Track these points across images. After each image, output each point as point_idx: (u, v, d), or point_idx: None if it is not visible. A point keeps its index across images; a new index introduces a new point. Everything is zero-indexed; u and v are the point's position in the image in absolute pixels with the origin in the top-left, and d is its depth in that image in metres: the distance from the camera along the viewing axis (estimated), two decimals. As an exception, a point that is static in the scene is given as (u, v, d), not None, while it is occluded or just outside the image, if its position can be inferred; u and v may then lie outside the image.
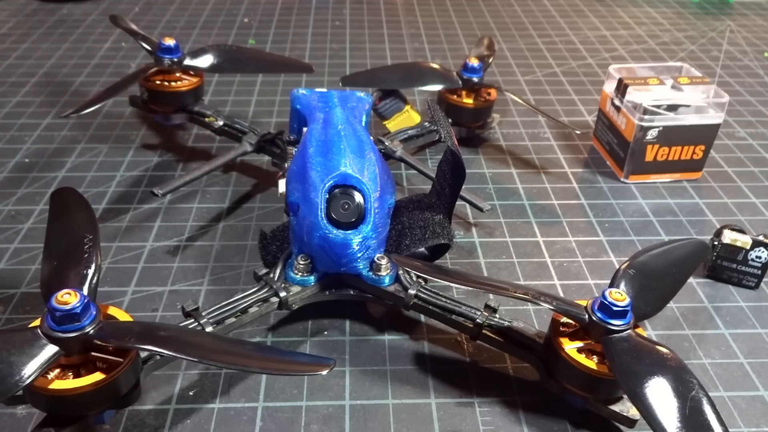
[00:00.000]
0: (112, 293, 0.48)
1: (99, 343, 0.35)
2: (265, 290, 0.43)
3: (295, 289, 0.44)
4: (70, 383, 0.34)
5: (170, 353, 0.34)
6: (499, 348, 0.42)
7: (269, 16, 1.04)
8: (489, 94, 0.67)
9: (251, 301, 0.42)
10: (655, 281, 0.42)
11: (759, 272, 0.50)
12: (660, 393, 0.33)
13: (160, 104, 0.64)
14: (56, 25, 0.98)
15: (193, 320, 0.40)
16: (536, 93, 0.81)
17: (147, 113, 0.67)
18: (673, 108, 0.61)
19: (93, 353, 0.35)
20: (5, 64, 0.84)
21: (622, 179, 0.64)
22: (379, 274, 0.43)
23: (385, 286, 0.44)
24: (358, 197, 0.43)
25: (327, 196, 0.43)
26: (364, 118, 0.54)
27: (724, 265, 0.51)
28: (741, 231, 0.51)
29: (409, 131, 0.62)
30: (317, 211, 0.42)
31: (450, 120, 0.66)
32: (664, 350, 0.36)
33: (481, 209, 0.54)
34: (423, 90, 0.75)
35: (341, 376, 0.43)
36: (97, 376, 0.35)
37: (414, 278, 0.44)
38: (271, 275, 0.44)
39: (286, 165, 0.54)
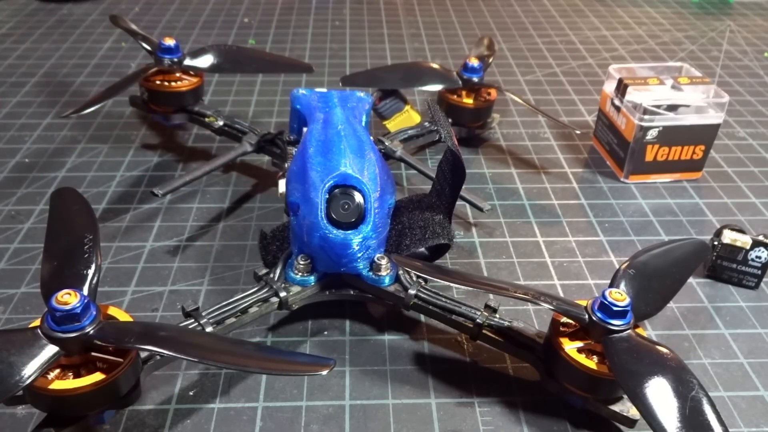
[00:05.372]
0: (112, 293, 0.48)
1: (99, 343, 0.35)
2: (265, 290, 0.43)
3: (295, 289, 0.44)
4: (70, 383, 0.34)
5: (170, 353, 0.34)
6: (499, 348, 0.42)
7: (269, 16, 1.04)
8: (489, 94, 0.67)
9: (251, 301, 0.42)
10: (655, 281, 0.42)
11: (759, 272, 0.50)
12: (660, 393, 0.33)
13: (160, 104, 0.64)
14: (56, 25, 0.98)
15: (193, 320, 0.40)
16: (536, 93, 0.81)
17: (147, 113, 0.67)
18: (673, 108, 0.61)
19: (93, 353, 0.35)
20: (5, 64, 0.84)
21: (622, 179, 0.64)
22: (379, 274, 0.43)
23: (385, 286, 0.44)
24: (358, 197, 0.43)
25: (327, 196, 0.43)
26: (364, 118, 0.54)
27: (724, 265, 0.51)
28: (741, 231, 0.51)
29: (409, 131, 0.62)
30: (317, 211, 0.42)
31: (450, 120, 0.66)
32: (664, 350, 0.36)
33: (481, 209, 0.54)
34: (423, 90, 0.75)
35: (341, 376, 0.43)
36: (97, 376, 0.35)
37: (414, 278, 0.44)
38: (271, 275, 0.44)
39: (286, 165, 0.54)
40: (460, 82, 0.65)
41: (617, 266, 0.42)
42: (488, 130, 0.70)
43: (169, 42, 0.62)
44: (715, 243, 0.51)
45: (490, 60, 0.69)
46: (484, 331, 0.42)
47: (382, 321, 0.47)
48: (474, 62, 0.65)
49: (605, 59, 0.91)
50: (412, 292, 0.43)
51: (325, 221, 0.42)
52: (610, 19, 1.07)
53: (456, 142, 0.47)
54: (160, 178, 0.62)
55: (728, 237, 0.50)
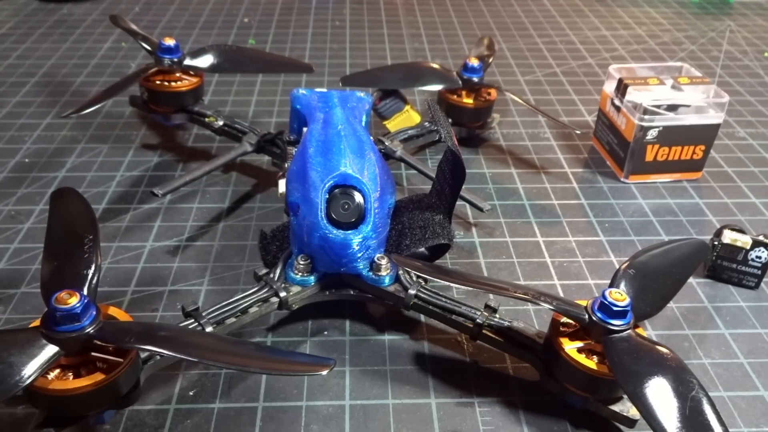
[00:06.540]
0: (112, 293, 0.48)
1: (99, 343, 0.35)
2: (265, 290, 0.43)
3: (295, 289, 0.44)
4: (70, 383, 0.34)
5: (170, 353, 0.34)
6: (499, 348, 0.42)
7: (269, 16, 1.04)
8: (489, 94, 0.67)
9: (251, 301, 0.42)
10: (655, 281, 0.42)
11: (759, 272, 0.50)
12: (660, 393, 0.33)
13: (160, 104, 0.64)
14: (56, 25, 0.98)
15: (193, 320, 0.40)
16: (536, 93, 0.81)
17: (147, 113, 0.67)
18: (673, 108, 0.61)
19: (93, 353, 0.36)
20: (5, 64, 0.84)
21: (622, 179, 0.64)
22: (379, 274, 0.43)
23: (385, 286, 0.44)
24: (358, 197, 0.43)
25: (327, 196, 0.43)
26: (364, 118, 0.54)
27: (724, 265, 0.51)
28: (741, 231, 0.51)
29: (409, 131, 0.62)
30: (317, 211, 0.42)
31: (450, 120, 0.66)
32: (664, 350, 0.36)
33: (481, 209, 0.54)
34: (423, 90, 0.75)
35: (341, 376, 0.43)
36: (97, 376, 0.35)
37: (414, 278, 0.44)
38: (271, 275, 0.44)
39: (286, 165, 0.54)
40: (460, 82, 0.65)
41: (617, 266, 0.42)
42: (488, 130, 0.70)
43: (169, 42, 0.62)
44: (715, 243, 0.51)
45: (490, 60, 0.69)
46: (484, 331, 0.42)
47: (382, 321, 0.47)
48: (474, 62, 0.65)
49: (605, 59, 0.91)
50: (412, 292, 0.43)
51: (325, 221, 0.42)
52: (610, 19, 1.07)
53: (456, 142, 0.47)
54: (160, 178, 0.62)
55: (728, 237, 0.50)
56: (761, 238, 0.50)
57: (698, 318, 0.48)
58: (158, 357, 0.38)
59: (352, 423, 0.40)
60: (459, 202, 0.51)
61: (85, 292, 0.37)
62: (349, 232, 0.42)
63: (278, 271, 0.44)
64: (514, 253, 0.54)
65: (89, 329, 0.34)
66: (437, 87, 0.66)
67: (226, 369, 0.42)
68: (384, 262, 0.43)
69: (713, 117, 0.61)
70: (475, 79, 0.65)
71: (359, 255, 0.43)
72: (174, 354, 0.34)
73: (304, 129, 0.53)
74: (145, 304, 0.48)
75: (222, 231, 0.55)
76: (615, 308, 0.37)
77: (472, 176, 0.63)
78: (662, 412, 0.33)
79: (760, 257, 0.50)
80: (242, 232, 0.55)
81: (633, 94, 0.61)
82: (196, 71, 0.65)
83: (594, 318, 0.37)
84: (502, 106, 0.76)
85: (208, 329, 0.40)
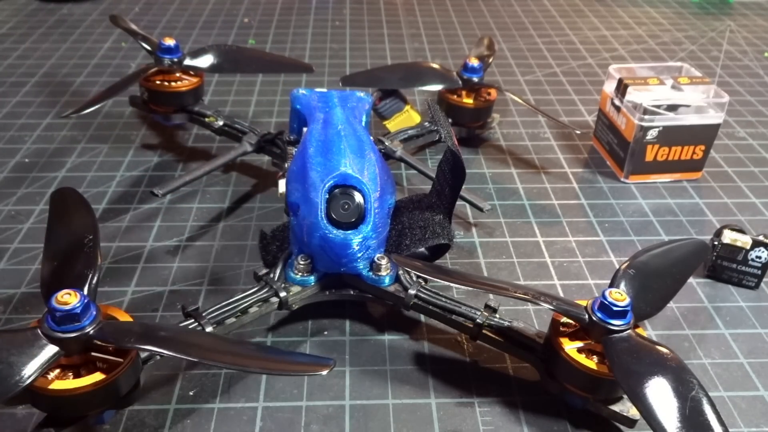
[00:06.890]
0: (112, 293, 0.48)
1: (99, 343, 0.35)
2: (265, 290, 0.43)
3: (295, 289, 0.44)
4: (70, 383, 0.34)
5: (170, 353, 0.34)
6: (499, 348, 0.42)
7: (269, 16, 1.04)
8: (489, 94, 0.67)
9: (251, 301, 0.42)
10: (655, 281, 0.42)
11: (759, 272, 0.50)
12: (660, 393, 0.33)
13: (160, 104, 0.64)
14: (56, 25, 0.98)
15: (193, 320, 0.40)
16: (536, 93, 0.81)
17: (147, 113, 0.67)
18: (673, 108, 0.61)
19: (93, 353, 0.36)
20: (5, 64, 0.84)
21: (622, 179, 0.64)
22: (379, 274, 0.43)
23: (385, 286, 0.44)
24: (358, 197, 0.43)
25: (327, 196, 0.43)
26: (364, 118, 0.54)
27: (724, 265, 0.51)
28: (741, 231, 0.51)
29: (409, 131, 0.62)
30: (317, 211, 0.42)
31: (450, 120, 0.66)
32: (664, 350, 0.36)
33: (481, 209, 0.54)
34: (423, 90, 0.75)
35: (341, 376, 0.43)
36: (97, 376, 0.35)
37: (414, 278, 0.44)
38: (271, 275, 0.44)
39: (286, 165, 0.54)
40: (460, 82, 0.65)
41: (617, 266, 0.42)
42: (488, 130, 0.70)
43: (169, 42, 0.62)
44: (715, 243, 0.51)
45: (490, 60, 0.69)
46: (484, 331, 0.42)
47: (382, 321, 0.47)
48: (474, 62, 0.65)
49: (605, 59, 0.91)
50: (412, 292, 0.43)
51: (325, 221, 0.42)
52: (610, 19, 1.07)
53: (456, 142, 0.47)
54: (160, 178, 0.62)
55: (728, 237, 0.50)
56: (761, 238, 0.50)
57: (698, 318, 0.48)
58: (158, 357, 0.38)
59: (352, 423, 0.40)
60: (459, 202, 0.51)
61: (85, 292, 0.36)
62: (349, 232, 0.42)
63: (278, 271, 0.44)
64: (514, 253, 0.54)
65: (89, 329, 0.34)
66: (437, 87, 0.66)
67: (226, 369, 0.42)
68: (384, 262, 0.43)
69: (713, 117, 0.61)
70: (475, 79, 0.65)
71: (359, 255, 0.43)
72: (174, 354, 0.34)
73: (304, 129, 0.53)
74: (145, 304, 0.48)
75: (222, 231, 0.55)
76: (615, 308, 0.37)
77: (472, 176, 0.63)
78: (662, 412, 0.33)
79: (760, 257, 0.50)
80: (242, 232, 0.55)
81: (633, 94, 0.61)
82: (196, 71, 0.65)
83: (594, 318, 0.37)
84: (502, 106, 0.76)
85: (208, 329, 0.40)
